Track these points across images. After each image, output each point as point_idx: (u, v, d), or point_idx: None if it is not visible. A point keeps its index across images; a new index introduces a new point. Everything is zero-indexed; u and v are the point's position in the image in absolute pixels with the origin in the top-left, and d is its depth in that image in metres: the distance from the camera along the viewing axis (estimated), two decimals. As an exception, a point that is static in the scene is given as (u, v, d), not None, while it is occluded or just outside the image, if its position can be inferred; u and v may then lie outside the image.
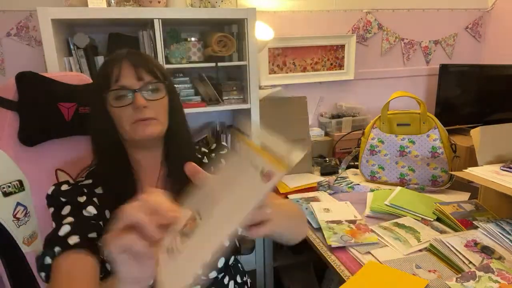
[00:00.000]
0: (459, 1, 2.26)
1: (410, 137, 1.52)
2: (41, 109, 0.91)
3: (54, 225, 0.74)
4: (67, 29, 1.49)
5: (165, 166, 0.86)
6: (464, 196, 1.42)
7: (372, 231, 1.16)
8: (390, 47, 2.22)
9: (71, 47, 1.44)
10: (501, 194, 1.08)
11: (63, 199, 0.76)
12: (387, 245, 1.08)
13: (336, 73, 2.14)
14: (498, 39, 2.29)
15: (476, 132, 1.21)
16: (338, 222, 1.22)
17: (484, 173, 1.12)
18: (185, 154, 0.86)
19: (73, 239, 0.69)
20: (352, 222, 1.22)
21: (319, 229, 1.20)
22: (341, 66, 2.14)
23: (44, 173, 0.93)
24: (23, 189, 0.88)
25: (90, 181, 0.81)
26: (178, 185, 0.81)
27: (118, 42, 1.59)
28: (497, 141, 1.23)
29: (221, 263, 0.83)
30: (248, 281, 0.98)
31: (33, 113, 0.90)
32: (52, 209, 0.76)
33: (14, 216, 0.84)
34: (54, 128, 0.94)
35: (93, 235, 0.72)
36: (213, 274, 0.83)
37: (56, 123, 0.94)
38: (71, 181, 0.81)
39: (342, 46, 2.10)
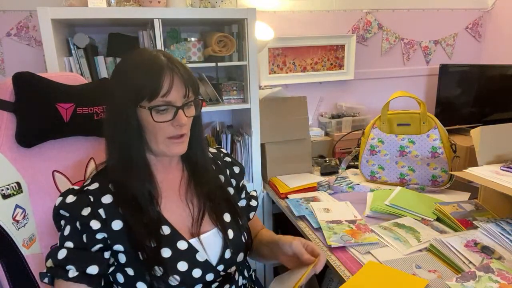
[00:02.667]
0: (459, 1, 2.26)
1: (410, 137, 1.52)
2: (39, 110, 0.91)
3: (58, 241, 0.75)
4: (67, 29, 1.49)
5: (186, 175, 0.89)
6: (464, 196, 1.42)
7: (372, 231, 1.16)
8: (390, 47, 2.22)
9: (71, 47, 1.44)
10: (501, 194, 1.08)
11: (66, 214, 0.74)
12: (387, 245, 1.08)
13: (336, 73, 2.14)
14: (498, 39, 2.28)
15: (476, 132, 1.20)
16: (338, 222, 1.22)
17: (484, 173, 1.12)
18: (205, 163, 0.89)
19: (72, 271, 0.70)
20: (352, 222, 1.22)
21: (319, 229, 1.20)
22: (341, 66, 2.14)
23: (42, 175, 0.93)
24: (21, 191, 0.87)
25: (96, 185, 0.78)
26: (201, 195, 0.86)
27: (118, 42, 1.60)
28: (497, 141, 1.23)
29: (240, 258, 0.85)
30: (253, 275, 0.99)
31: (31, 114, 0.90)
32: (61, 222, 0.76)
33: (14, 218, 0.84)
34: (52, 129, 0.94)
35: (91, 270, 0.71)
36: (232, 269, 0.86)
37: (54, 124, 0.93)
38: (77, 186, 0.79)
39: (342, 46, 2.10)
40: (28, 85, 0.89)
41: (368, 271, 0.96)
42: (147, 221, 0.76)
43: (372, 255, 1.04)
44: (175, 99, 0.75)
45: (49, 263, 0.72)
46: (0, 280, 0.81)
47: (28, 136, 0.89)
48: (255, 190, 1.03)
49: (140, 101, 0.74)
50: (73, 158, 1.01)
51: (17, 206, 0.85)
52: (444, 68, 2.03)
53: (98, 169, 0.83)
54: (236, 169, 0.99)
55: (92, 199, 0.75)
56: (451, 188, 1.49)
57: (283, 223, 1.63)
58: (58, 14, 1.29)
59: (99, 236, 0.74)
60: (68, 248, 0.72)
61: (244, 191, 1.00)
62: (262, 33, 1.78)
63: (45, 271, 0.72)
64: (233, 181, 0.97)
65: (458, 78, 2.08)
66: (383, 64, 2.24)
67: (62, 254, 0.71)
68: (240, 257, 0.85)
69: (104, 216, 0.75)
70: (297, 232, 1.25)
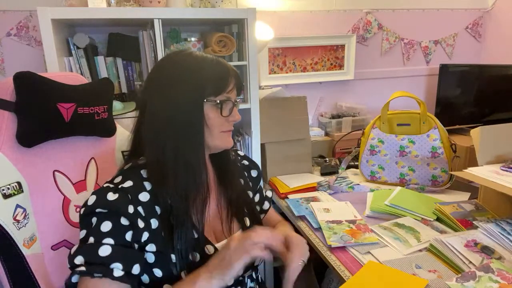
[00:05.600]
0: (459, 1, 2.26)
1: (410, 137, 1.52)
2: (40, 110, 0.90)
3: (90, 237, 0.69)
4: (67, 29, 1.49)
5: (214, 175, 0.90)
6: (464, 196, 1.42)
7: (372, 231, 1.16)
8: (390, 47, 2.22)
9: (71, 47, 1.45)
10: (501, 194, 1.08)
11: (104, 211, 0.70)
12: (387, 245, 1.08)
13: (336, 73, 2.14)
14: (498, 39, 2.29)
15: (476, 132, 1.20)
16: (338, 222, 1.22)
17: (484, 173, 1.12)
18: (233, 164, 0.93)
19: (118, 270, 0.67)
20: (352, 222, 1.22)
21: (319, 229, 1.20)
22: (341, 66, 2.14)
23: (42, 175, 0.93)
24: (22, 191, 0.87)
25: (130, 183, 0.75)
26: (227, 196, 0.88)
27: (118, 42, 1.60)
28: (497, 141, 1.23)
29: (257, 261, 0.86)
30: (259, 276, 1.00)
31: (32, 114, 0.89)
32: (92, 219, 0.70)
33: (14, 218, 0.83)
34: (53, 129, 0.94)
35: (135, 269, 0.70)
36: (248, 272, 0.87)
37: (55, 123, 0.93)
38: (108, 184, 0.76)
39: (342, 46, 2.11)
40: (29, 85, 0.89)
41: (368, 271, 0.96)
42: (190, 222, 0.76)
43: (372, 255, 1.04)
44: (234, 96, 0.80)
45: (79, 260, 0.67)
46: (1, 279, 0.81)
47: (29, 135, 0.89)
48: (271, 190, 1.06)
49: (208, 96, 0.77)
50: (74, 158, 1.01)
51: (17, 206, 0.85)
52: (444, 68, 2.03)
53: (125, 166, 0.81)
54: (254, 173, 1.02)
55: (130, 197, 0.73)
56: (451, 188, 1.49)
57: (283, 223, 1.63)
58: (58, 14, 1.28)
59: (144, 235, 0.72)
60: (111, 245, 0.68)
61: (259, 194, 1.02)
62: (262, 33, 1.78)
63: (78, 269, 0.66)
64: (251, 184, 0.99)
65: (458, 78, 2.09)
66: (383, 64, 2.24)
67: (105, 251, 0.67)
68: (257, 260, 0.86)
69: (143, 214, 0.73)
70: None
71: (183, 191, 0.76)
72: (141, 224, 0.72)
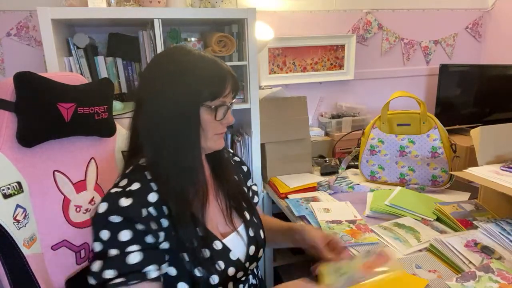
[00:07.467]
0: (459, 1, 2.27)
1: (410, 137, 1.52)
2: (40, 110, 0.90)
3: (112, 250, 0.67)
4: (67, 29, 1.49)
5: (210, 173, 0.91)
6: (464, 196, 1.42)
7: (372, 231, 1.16)
8: (390, 47, 2.22)
9: (71, 47, 1.45)
10: (501, 194, 1.08)
11: (117, 220, 0.69)
12: (387, 245, 1.08)
13: (336, 73, 2.14)
14: (498, 39, 2.29)
15: (476, 132, 1.20)
16: (338, 222, 1.22)
17: (484, 173, 1.12)
18: (227, 161, 0.94)
19: (152, 272, 0.68)
20: (352, 222, 1.22)
21: (319, 229, 1.20)
22: (341, 66, 2.14)
23: (42, 175, 0.93)
24: (22, 191, 0.87)
25: (138, 185, 0.75)
26: (225, 192, 0.89)
27: (118, 42, 1.60)
28: (497, 141, 1.23)
29: (260, 253, 0.90)
30: (259, 273, 1.00)
31: (32, 114, 0.89)
32: (105, 230, 0.69)
33: (14, 218, 0.83)
34: (53, 129, 0.94)
35: (164, 267, 0.71)
36: (253, 265, 0.89)
37: (55, 123, 0.93)
38: (116, 189, 0.74)
39: (342, 46, 2.11)
40: (29, 85, 0.89)
41: (368, 271, 0.96)
42: (194, 220, 0.77)
43: (372, 255, 1.04)
44: (229, 99, 0.81)
45: (110, 274, 0.66)
46: (1, 279, 0.81)
47: (29, 135, 0.89)
48: (255, 184, 1.06)
49: (204, 100, 0.76)
50: (74, 158, 1.01)
51: (18, 205, 0.85)
52: (444, 68, 2.03)
53: (128, 169, 0.80)
54: (245, 168, 1.04)
55: (141, 200, 0.73)
56: (451, 188, 1.49)
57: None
58: (58, 14, 1.29)
59: (160, 235, 0.73)
60: (138, 251, 0.68)
61: (250, 190, 1.03)
62: (262, 33, 1.78)
63: (114, 282, 0.65)
64: (243, 180, 1.01)
65: (458, 78, 2.09)
66: (383, 64, 2.24)
67: (133, 258, 0.67)
68: (261, 253, 0.90)
69: (154, 215, 0.73)
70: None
71: (183, 191, 0.76)
72: (154, 226, 0.72)
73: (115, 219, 0.69)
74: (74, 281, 0.96)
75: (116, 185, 0.76)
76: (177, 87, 0.75)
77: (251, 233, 0.88)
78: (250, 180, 1.06)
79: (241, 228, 0.87)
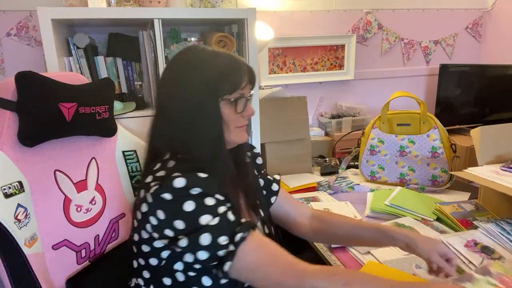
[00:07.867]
0: (459, 1, 2.27)
1: (410, 137, 1.52)
2: (41, 109, 0.90)
3: (204, 217, 0.68)
4: (67, 29, 1.49)
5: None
6: (464, 196, 1.43)
7: (372, 231, 1.16)
8: (390, 47, 2.22)
9: (71, 47, 1.44)
10: (501, 194, 1.08)
11: (196, 192, 0.70)
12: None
13: (336, 73, 2.14)
14: (498, 39, 2.29)
15: (476, 132, 1.21)
16: (338, 222, 1.22)
17: (484, 173, 1.12)
18: (245, 154, 0.96)
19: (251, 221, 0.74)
20: (352, 222, 1.22)
21: (319, 229, 1.20)
22: (341, 66, 2.14)
23: (43, 174, 0.93)
24: (23, 191, 0.87)
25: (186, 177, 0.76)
26: (246, 180, 0.90)
27: (118, 42, 1.60)
28: (497, 141, 1.23)
29: None
30: None
31: (33, 113, 0.89)
32: (187, 204, 0.69)
33: (15, 217, 0.83)
34: (54, 128, 0.94)
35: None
36: None
37: (57, 123, 0.93)
38: (178, 172, 0.74)
39: (342, 46, 2.11)
40: (31, 85, 0.89)
41: (368, 271, 0.96)
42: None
43: (372, 255, 1.04)
44: (247, 91, 0.82)
45: (224, 240, 0.68)
46: (2, 279, 0.81)
47: (30, 135, 0.89)
48: (278, 174, 1.07)
49: (223, 94, 0.77)
50: (75, 158, 1.01)
51: (19, 205, 0.85)
52: (444, 68, 2.03)
53: (166, 166, 0.79)
54: (259, 161, 1.04)
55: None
56: (451, 188, 1.49)
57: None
58: (58, 14, 1.28)
59: (227, 204, 0.76)
60: (229, 208, 0.73)
61: (264, 179, 1.02)
62: (262, 33, 1.78)
63: (237, 236, 0.69)
64: (257, 172, 1.01)
65: (458, 78, 2.09)
66: (383, 64, 2.25)
67: (230, 216, 0.71)
68: None
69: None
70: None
71: (222, 182, 0.77)
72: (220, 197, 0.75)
73: (196, 190, 0.70)
74: (75, 281, 0.96)
75: (163, 174, 0.75)
76: (195, 84, 0.77)
77: (267, 230, 0.89)
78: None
79: (258, 225, 0.88)
